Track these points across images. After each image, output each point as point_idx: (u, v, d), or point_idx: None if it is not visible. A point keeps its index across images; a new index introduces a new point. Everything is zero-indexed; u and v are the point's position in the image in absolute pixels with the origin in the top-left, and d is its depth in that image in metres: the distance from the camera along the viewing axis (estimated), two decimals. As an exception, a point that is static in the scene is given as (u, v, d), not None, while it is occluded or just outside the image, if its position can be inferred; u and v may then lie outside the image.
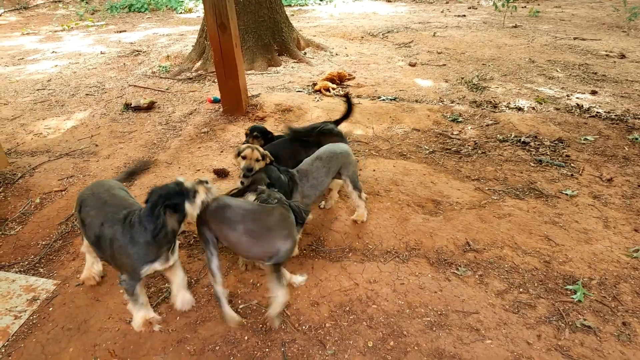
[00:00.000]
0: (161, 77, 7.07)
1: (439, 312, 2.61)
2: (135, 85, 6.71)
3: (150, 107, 5.83)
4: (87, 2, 15.00)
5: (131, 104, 5.83)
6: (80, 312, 2.68)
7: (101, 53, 8.76)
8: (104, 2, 14.69)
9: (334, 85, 6.09)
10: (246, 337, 2.47)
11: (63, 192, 3.98)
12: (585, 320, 2.53)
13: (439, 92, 6.06)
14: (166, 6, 13.89)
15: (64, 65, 8.04)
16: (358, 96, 5.91)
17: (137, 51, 8.68)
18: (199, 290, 2.81)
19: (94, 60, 8.32)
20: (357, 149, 4.54)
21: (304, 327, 2.53)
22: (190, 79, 6.93)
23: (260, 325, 2.54)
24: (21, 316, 2.66)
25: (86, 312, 2.68)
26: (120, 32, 10.77)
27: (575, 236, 3.24)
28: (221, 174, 4.17)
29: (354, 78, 6.51)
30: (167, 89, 6.50)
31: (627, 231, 3.28)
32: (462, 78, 6.56)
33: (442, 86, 6.27)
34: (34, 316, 2.66)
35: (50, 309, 2.71)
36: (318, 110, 5.42)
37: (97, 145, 4.84)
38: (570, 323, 2.52)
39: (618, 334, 2.45)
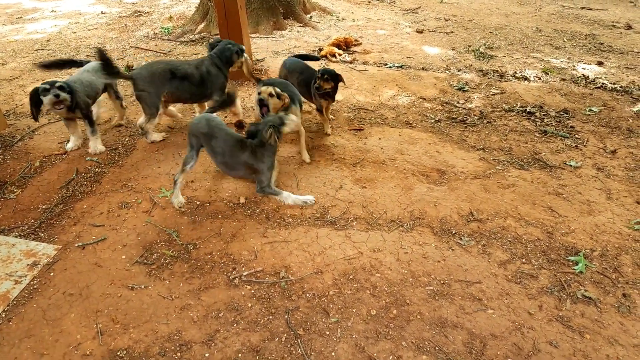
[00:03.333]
0: (163, 39, 6.92)
1: (442, 282, 2.66)
2: (136, 47, 6.58)
3: (151, 69, 5.73)
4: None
5: (133, 66, 5.73)
6: (82, 278, 2.69)
7: (102, 13, 8.56)
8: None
9: (340, 51, 5.98)
10: (249, 305, 2.52)
11: (63, 156, 3.96)
12: (586, 291, 2.58)
13: (446, 60, 5.97)
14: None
15: (63, 25, 7.86)
16: (364, 63, 5.82)
17: (138, 12, 8.47)
18: (202, 257, 2.84)
19: (94, 20, 8.13)
20: (363, 116, 4.51)
21: (307, 295, 2.58)
22: (193, 41, 6.79)
23: (264, 293, 2.59)
24: (21, 281, 2.66)
25: (88, 278, 2.69)
26: (120, -10, 10.47)
27: (578, 207, 3.27)
28: (240, 125, 4.38)
29: (360, 44, 6.39)
30: (169, 51, 6.37)
31: (629, 203, 3.31)
32: (469, 46, 6.45)
33: (449, 54, 6.17)
34: (35, 281, 2.67)
35: (51, 274, 2.73)
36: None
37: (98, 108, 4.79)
38: (571, 294, 2.57)
39: (618, 305, 2.51)
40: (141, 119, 4.02)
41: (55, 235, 3.04)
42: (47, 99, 3.59)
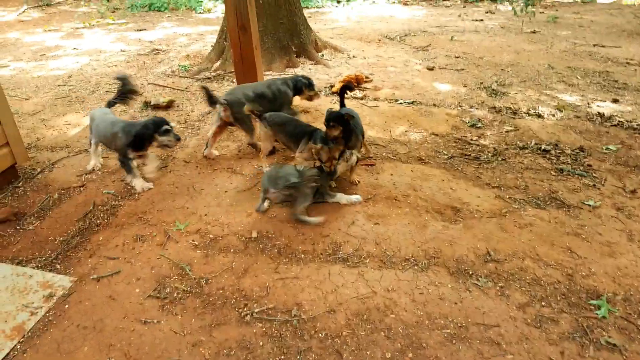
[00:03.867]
0: (180, 76, 7.11)
1: (459, 325, 2.58)
2: (154, 84, 6.76)
3: (169, 105, 5.86)
4: (108, 0, 15.16)
5: (150, 102, 5.87)
6: (96, 311, 2.69)
7: (121, 51, 8.85)
8: (124, 0, 14.83)
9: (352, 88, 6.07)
10: (261, 343, 2.46)
11: (81, 188, 4.02)
12: (609, 337, 2.48)
13: (458, 96, 6.00)
14: (185, 6, 13.97)
15: (84, 62, 8.13)
16: (375, 99, 5.88)
17: (156, 50, 8.75)
18: (214, 292, 2.80)
19: (114, 57, 8.40)
20: (375, 152, 4.52)
21: (320, 335, 2.51)
22: (209, 78, 6.96)
23: (275, 331, 2.53)
24: (37, 312, 2.67)
25: (102, 311, 2.68)
26: (140, 30, 10.86)
27: (599, 249, 3.18)
28: (270, 152, 4.46)
29: (371, 81, 6.48)
30: (186, 88, 6.53)
31: (652, 245, 3.22)
32: (481, 83, 6.50)
33: (461, 91, 6.21)
34: (50, 313, 2.68)
35: (66, 306, 2.73)
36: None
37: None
38: (594, 340, 2.47)
39: (644, 352, 2.40)
40: (248, 139, 4.61)
41: (71, 267, 3.06)
42: (165, 139, 3.79)
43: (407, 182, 3.96)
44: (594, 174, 4.12)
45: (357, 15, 12.17)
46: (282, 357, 2.38)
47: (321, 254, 3.10)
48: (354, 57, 7.89)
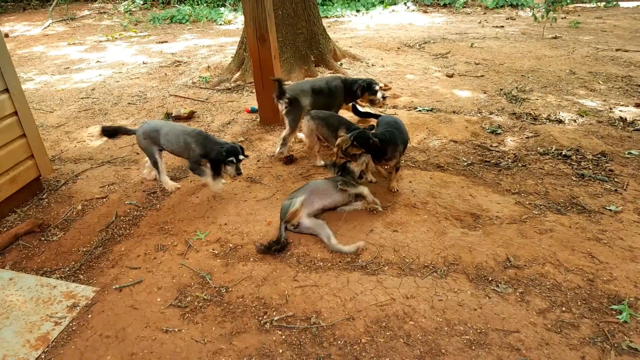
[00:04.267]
0: (201, 88, 7.27)
1: (479, 331, 2.58)
2: (176, 95, 6.93)
3: (190, 116, 6.00)
4: (130, 14, 15.59)
5: (172, 114, 6.02)
6: (119, 320, 2.75)
7: (143, 63, 9.09)
8: (146, 13, 15.25)
9: (370, 97, 6.11)
10: (280, 351, 2.50)
11: (104, 199, 4.14)
12: (631, 342, 2.44)
13: (477, 103, 5.99)
14: (206, 18, 14.28)
15: (107, 75, 8.39)
16: (394, 107, 5.91)
17: (178, 62, 8.96)
18: (234, 300, 2.85)
19: (136, 70, 8.64)
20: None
21: (339, 342, 2.54)
22: (229, 89, 7.10)
23: (295, 339, 2.57)
24: (61, 322, 2.73)
25: (124, 320, 2.74)
26: (162, 42, 11.14)
27: (620, 254, 3.14)
28: (289, 161, 4.66)
29: (390, 89, 6.51)
30: (206, 99, 6.68)
31: (676, 251, 3.15)
32: (501, 89, 6.47)
33: (480, 97, 6.19)
34: (74, 323, 2.74)
35: (89, 315, 2.79)
36: (354, 120, 5.44)
37: (138, 154, 5.00)
38: (615, 345, 2.44)
39: (668, 359, 2.36)
40: (285, 133, 4.66)
41: (94, 277, 3.14)
42: (231, 169, 3.87)
43: (426, 190, 3.98)
44: (615, 179, 4.06)
45: (376, 24, 12.24)
46: (302, 363, 2.42)
47: (340, 261, 3.14)
48: (372, 65, 7.94)
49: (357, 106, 5.34)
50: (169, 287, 3.00)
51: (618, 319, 2.59)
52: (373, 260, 3.13)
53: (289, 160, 4.58)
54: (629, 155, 4.46)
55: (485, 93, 6.37)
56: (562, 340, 2.48)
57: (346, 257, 3.17)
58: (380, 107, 5.15)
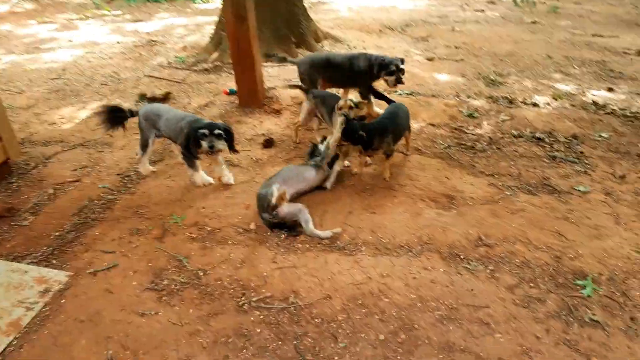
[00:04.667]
0: (177, 68, 7.15)
1: (450, 306, 2.67)
2: (151, 76, 6.80)
3: (166, 98, 5.91)
4: (104, -8, 15.10)
5: (147, 95, 5.91)
6: (93, 304, 2.73)
7: (117, 43, 8.85)
8: (121, -9, 14.79)
9: (349, 80, 6.11)
10: (258, 330, 2.54)
11: (76, 183, 4.05)
12: (593, 315, 2.57)
13: (456, 86, 6.05)
14: (183, -4, 13.92)
15: (79, 55, 8.14)
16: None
17: (153, 41, 8.76)
18: (211, 283, 2.87)
19: (110, 49, 8.41)
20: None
21: (316, 320, 2.60)
22: (207, 70, 7.00)
23: (273, 318, 2.61)
24: (33, 308, 2.69)
25: (99, 304, 2.73)
26: (137, 21, 10.85)
27: (587, 232, 3.27)
28: (268, 144, 4.63)
29: (369, 72, 6.51)
30: (183, 80, 6.57)
31: (637, 227, 3.30)
32: (479, 73, 6.54)
33: (459, 81, 6.26)
34: (46, 308, 2.70)
35: (63, 300, 2.76)
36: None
37: (111, 136, 4.91)
38: (578, 317, 2.56)
39: (625, 328, 2.49)
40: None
41: (67, 262, 3.10)
42: (204, 144, 3.53)
43: (404, 172, 4.04)
44: (585, 161, 4.19)
45: (358, 6, 12.14)
46: (279, 342, 2.47)
47: (318, 243, 3.19)
48: (354, 47, 7.91)
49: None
50: (145, 270, 3.00)
51: (582, 293, 2.72)
52: (351, 241, 3.19)
53: (268, 143, 4.58)
54: (599, 138, 4.60)
55: (464, 77, 6.44)
56: (529, 314, 2.59)
57: (324, 239, 3.22)
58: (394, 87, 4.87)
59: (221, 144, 3.57)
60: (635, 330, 2.47)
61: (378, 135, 3.78)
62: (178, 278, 2.92)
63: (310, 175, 3.70)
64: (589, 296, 2.69)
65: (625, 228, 3.28)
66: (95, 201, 3.79)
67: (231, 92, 5.92)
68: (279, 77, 6.46)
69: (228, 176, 3.93)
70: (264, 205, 3.34)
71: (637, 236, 3.19)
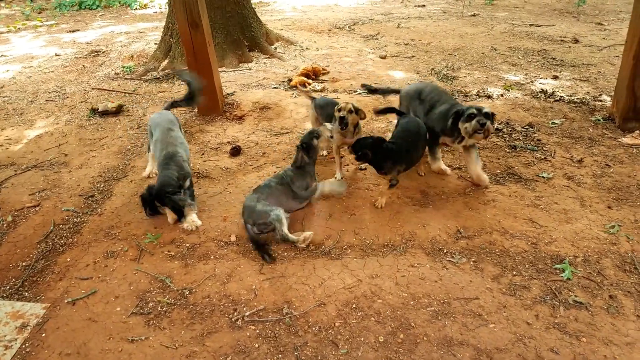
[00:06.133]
0: (126, 78, 6.85)
1: (442, 301, 2.72)
2: (99, 88, 6.48)
3: (118, 110, 5.66)
4: (32, 1, 14.24)
5: (98, 109, 5.63)
6: (77, 335, 2.59)
7: (56, 55, 8.38)
8: (50, 0, 13.99)
9: (310, 81, 6.11)
10: (256, 345, 2.49)
11: (37, 208, 3.82)
12: (576, 296, 2.71)
13: (412, 83, 6.18)
14: (119, 2, 13.39)
15: (17, 70, 7.64)
16: (335, 90, 5.95)
17: (95, 51, 8.35)
18: (200, 301, 2.78)
19: (49, 63, 7.94)
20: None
21: (313, 329, 2.57)
22: (158, 78, 6.76)
23: (269, 332, 2.57)
24: (12, 345, 2.52)
25: (83, 335, 2.59)
26: (73, 31, 10.31)
27: (557, 217, 3.43)
28: (236, 152, 4.50)
29: (328, 72, 6.54)
30: (134, 91, 6.31)
31: (601, 209, 3.50)
32: (432, 69, 6.72)
33: (414, 77, 6.39)
34: (27, 344, 2.54)
35: (43, 334, 2.60)
36: (297, 107, 5.43)
37: (66, 155, 4.67)
38: (563, 300, 2.69)
39: (607, 307, 2.63)
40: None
41: (41, 293, 2.91)
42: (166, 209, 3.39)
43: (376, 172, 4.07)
44: (544, 148, 4.41)
45: (302, 5, 12.15)
46: (280, 355, 2.42)
47: (304, 250, 3.15)
48: (307, 48, 7.90)
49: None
50: (127, 294, 2.86)
51: (562, 276, 2.85)
52: (336, 245, 3.18)
53: (236, 151, 4.48)
54: (552, 125, 4.85)
55: (417, 73, 6.59)
56: (517, 302, 2.69)
57: (310, 244, 3.19)
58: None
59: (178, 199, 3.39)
60: (616, 307, 2.63)
61: (391, 159, 3.49)
62: (164, 299, 2.80)
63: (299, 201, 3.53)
64: (568, 279, 2.83)
65: (590, 210, 3.48)
66: (61, 225, 3.57)
67: (188, 101, 5.74)
68: (236, 81, 6.34)
69: (191, 219, 3.47)
70: (254, 219, 3.23)
71: (603, 217, 3.39)
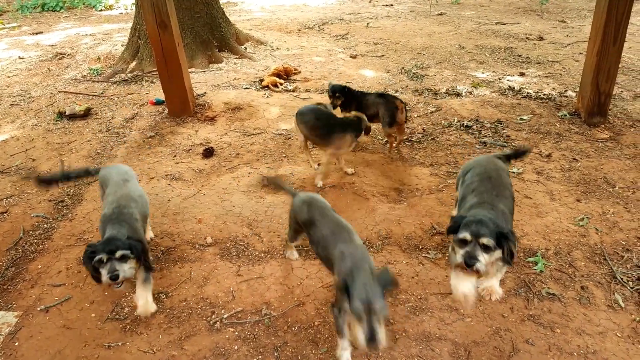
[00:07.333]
0: (93, 81, 6.67)
1: (419, 297, 2.76)
2: (65, 92, 6.29)
3: (87, 114, 5.50)
4: (-9, 2, 13.68)
5: (65, 112, 5.46)
6: (52, 343, 2.52)
7: (19, 58, 8.08)
8: (12, 1, 13.49)
9: (282, 80, 6.08)
10: (236, 347, 2.47)
11: (5, 215, 3.69)
12: (549, 288, 2.78)
13: (383, 82, 6.23)
14: (84, 3, 13.01)
15: (-22, 74, 7.33)
16: (307, 90, 5.94)
17: (60, 54, 8.10)
18: (177, 304, 2.74)
19: (12, 66, 7.65)
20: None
21: (293, 329, 2.57)
22: (126, 80, 6.60)
23: (248, 333, 2.54)
24: None
25: (58, 342, 2.52)
26: (37, 33, 9.96)
27: (528, 211, 3.52)
28: (208, 154, 4.43)
29: (300, 72, 6.52)
30: (102, 93, 6.15)
31: (570, 202, 3.61)
32: (402, 68, 6.79)
33: (385, 76, 6.45)
34: (-1, 354, 2.46)
35: (17, 343, 2.53)
36: (270, 107, 5.40)
37: (34, 160, 4.52)
38: (537, 293, 2.76)
39: (579, 297, 2.72)
40: None
41: (13, 301, 2.82)
42: (104, 277, 2.34)
43: (351, 170, 4.09)
44: (512, 144, 4.51)
45: (271, 5, 12.08)
46: (260, 356, 2.40)
47: (282, 250, 3.13)
48: (277, 48, 7.87)
49: None
50: (102, 300, 2.79)
51: (535, 269, 2.93)
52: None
53: (209, 153, 4.42)
54: (520, 121, 4.97)
55: (388, 72, 6.65)
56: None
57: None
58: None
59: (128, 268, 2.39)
60: (587, 298, 2.71)
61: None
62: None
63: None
64: (541, 271, 2.90)
65: (560, 204, 3.58)
66: (31, 232, 3.45)
67: (158, 102, 5.64)
68: (206, 82, 6.25)
69: (145, 303, 2.57)
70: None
71: (572, 210, 3.50)
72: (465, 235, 2.26)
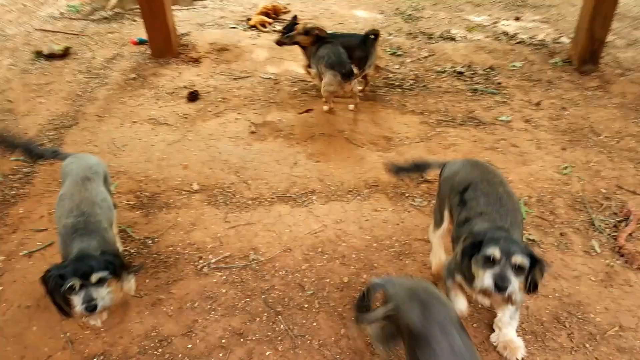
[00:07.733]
0: (72, 19, 6.33)
1: (403, 242, 2.82)
2: (43, 30, 5.98)
3: (65, 53, 5.26)
4: None
5: (43, 52, 5.23)
6: (36, 288, 2.45)
7: (-10, -9, 7.61)
8: None
9: (270, 20, 5.84)
10: (224, 290, 2.52)
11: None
12: (530, 234, 2.85)
13: (376, 24, 6.00)
14: None
15: (-53, 10, 6.92)
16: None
17: (35, -12, 7.64)
18: (163, 250, 2.76)
19: (-16, 1, 7.22)
20: (304, 88, 4.49)
21: (280, 273, 2.62)
22: (107, 18, 6.29)
23: (236, 277, 2.59)
24: None
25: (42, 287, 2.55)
26: (8, -36, 9.34)
27: (514, 159, 3.54)
28: (193, 98, 4.31)
29: (289, 11, 6.25)
30: (81, 32, 5.87)
31: (556, 151, 3.64)
32: (397, 8, 6.54)
33: (378, 17, 6.23)
34: (-18, 299, 2.47)
35: (0, 288, 2.54)
36: (257, 48, 5.22)
37: (11, 102, 4.35)
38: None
39: (557, 244, 2.80)
40: None
41: (-6, 246, 2.80)
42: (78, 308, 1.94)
43: (341, 118, 4.03)
44: (504, 92, 4.46)
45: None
46: (247, 299, 2.47)
47: (270, 197, 3.15)
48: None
49: None
50: (87, 245, 2.79)
51: (517, 216, 2.98)
52: (302, 192, 3.19)
53: (193, 96, 4.30)
54: (513, 68, 4.89)
55: (382, 13, 6.41)
56: (475, 242, 2.81)
57: (276, 192, 3.19)
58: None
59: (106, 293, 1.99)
60: (565, 244, 2.79)
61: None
62: (126, 249, 2.76)
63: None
64: (523, 219, 2.95)
65: (546, 152, 3.60)
66: (10, 176, 3.39)
67: (140, 42, 5.41)
68: (191, 21, 5.99)
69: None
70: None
71: (557, 158, 3.53)
72: (494, 251, 1.84)
